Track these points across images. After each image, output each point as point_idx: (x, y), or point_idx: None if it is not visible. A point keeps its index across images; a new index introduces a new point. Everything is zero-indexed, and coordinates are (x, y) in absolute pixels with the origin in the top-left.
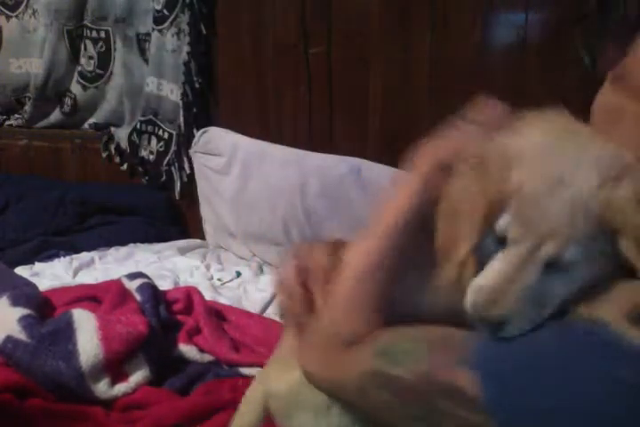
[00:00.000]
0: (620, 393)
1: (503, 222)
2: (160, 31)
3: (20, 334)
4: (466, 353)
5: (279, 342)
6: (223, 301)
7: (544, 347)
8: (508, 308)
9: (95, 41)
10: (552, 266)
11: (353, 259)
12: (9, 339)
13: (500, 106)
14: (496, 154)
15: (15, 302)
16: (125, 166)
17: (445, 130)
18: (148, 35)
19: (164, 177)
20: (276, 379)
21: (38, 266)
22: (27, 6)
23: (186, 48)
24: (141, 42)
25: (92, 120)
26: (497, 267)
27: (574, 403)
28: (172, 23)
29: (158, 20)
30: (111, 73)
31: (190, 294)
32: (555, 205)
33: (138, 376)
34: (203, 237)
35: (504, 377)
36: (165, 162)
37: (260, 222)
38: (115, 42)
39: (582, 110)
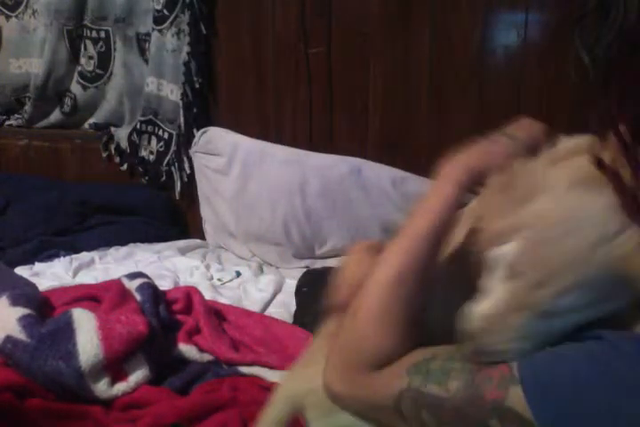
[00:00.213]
0: None
1: (508, 249)
2: (160, 31)
3: (20, 334)
4: (512, 371)
5: (308, 345)
6: (223, 301)
7: (589, 361)
8: (502, 342)
9: (95, 41)
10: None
11: (383, 263)
12: (9, 339)
13: (538, 126)
14: (523, 179)
15: (15, 302)
16: (125, 166)
17: (480, 140)
18: (148, 35)
19: (163, 177)
20: (316, 375)
21: (38, 266)
22: (26, 6)
23: (186, 48)
24: (141, 42)
25: (92, 120)
26: (496, 297)
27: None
28: (172, 23)
29: (158, 19)
30: (111, 73)
31: (190, 294)
32: (564, 250)
33: (137, 376)
34: (203, 237)
35: (552, 395)
36: (165, 162)
37: (260, 222)
38: (115, 42)
39: (582, 110)
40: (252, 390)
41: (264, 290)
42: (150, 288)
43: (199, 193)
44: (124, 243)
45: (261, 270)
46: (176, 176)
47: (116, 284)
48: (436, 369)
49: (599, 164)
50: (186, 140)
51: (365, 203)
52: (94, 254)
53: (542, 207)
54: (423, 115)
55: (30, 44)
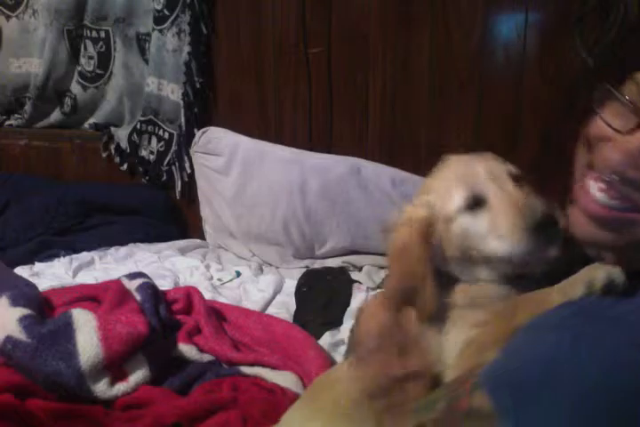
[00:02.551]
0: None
1: None
2: (160, 31)
3: (20, 334)
4: (476, 379)
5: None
6: (223, 301)
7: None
8: None
9: (95, 41)
10: None
11: None
12: (9, 339)
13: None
14: None
15: (15, 302)
16: (125, 166)
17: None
18: (148, 35)
19: (164, 177)
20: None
21: (38, 266)
22: (27, 6)
23: (186, 48)
24: (141, 42)
25: (92, 120)
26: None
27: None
28: (172, 23)
29: (158, 19)
30: (111, 73)
31: (190, 294)
32: None
33: (138, 376)
34: (203, 237)
35: (506, 383)
36: (166, 162)
37: (259, 222)
38: (115, 42)
39: (581, 111)
40: (253, 390)
41: (264, 290)
42: (150, 288)
43: (199, 193)
44: (124, 243)
45: (261, 270)
46: (176, 176)
47: (116, 284)
48: (430, 400)
49: None
50: (186, 140)
51: (365, 203)
52: (94, 254)
53: None
54: (423, 115)
55: (30, 44)
